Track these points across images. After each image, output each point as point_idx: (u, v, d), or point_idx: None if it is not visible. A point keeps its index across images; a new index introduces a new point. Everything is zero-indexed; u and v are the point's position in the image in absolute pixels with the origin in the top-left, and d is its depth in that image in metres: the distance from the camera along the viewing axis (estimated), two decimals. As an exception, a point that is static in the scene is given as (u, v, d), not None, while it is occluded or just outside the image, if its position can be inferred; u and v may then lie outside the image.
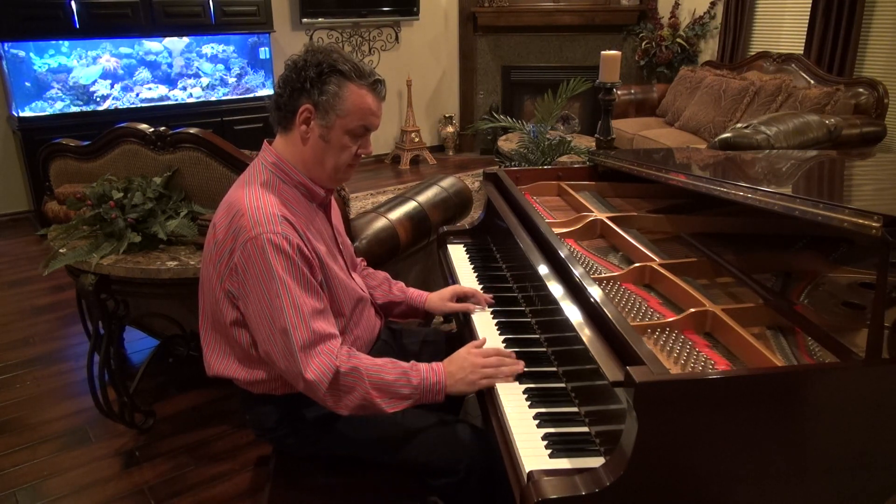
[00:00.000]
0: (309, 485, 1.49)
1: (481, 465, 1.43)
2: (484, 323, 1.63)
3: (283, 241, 1.31)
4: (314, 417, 1.47)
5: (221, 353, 1.48)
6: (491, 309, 1.69)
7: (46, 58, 4.48)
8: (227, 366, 1.47)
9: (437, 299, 1.73)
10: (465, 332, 1.66)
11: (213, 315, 1.45)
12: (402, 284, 1.80)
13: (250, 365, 1.44)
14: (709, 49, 5.62)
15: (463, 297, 1.72)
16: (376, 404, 1.34)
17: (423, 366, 1.40)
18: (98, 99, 4.68)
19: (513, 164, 4.20)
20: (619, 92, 5.00)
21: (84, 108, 4.61)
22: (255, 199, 1.35)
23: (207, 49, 5.09)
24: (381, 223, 2.39)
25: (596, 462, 1.09)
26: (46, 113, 4.46)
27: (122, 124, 2.36)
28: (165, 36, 4.83)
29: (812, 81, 4.44)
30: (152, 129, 2.33)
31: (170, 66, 4.97)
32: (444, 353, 1.77)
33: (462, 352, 1.43)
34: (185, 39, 4.97)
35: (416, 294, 1.77)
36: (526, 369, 1.41)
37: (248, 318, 1.35)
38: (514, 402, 1.30)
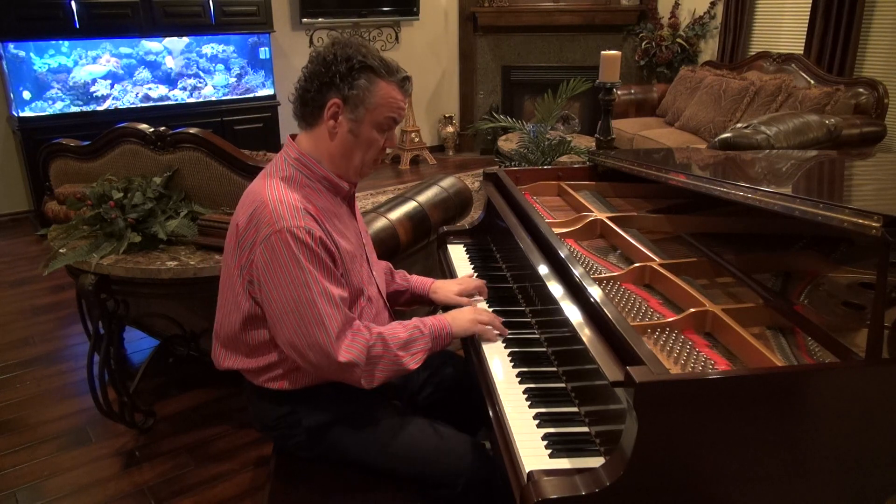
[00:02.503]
0: (309, 485, 1.49)
1: (480, 480, 1.43)
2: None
3: (307, 234, 1.31)
4: (310, 424, 1.46)
5: (231, 348, 1.47)
6: (491, 309, 1.69)
7: (46, 58, 4.48)
8: (235, 359, 1.47)
9: (444, 290, 1.73)
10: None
11: (228, 311, 1.44)
12: (403, 272, 1.80)
13: (260, 353, 1.44)
14: (709, 49, 5.62)
15: (469, 293, 1.74)
16: (403, 363, 1.40)
17: (426, 318, 1.48)
18: (98, 99, 4.68)
19: (513, 164, 4.19)
20: (619, 92, 5.00)
21: (84, 108, 4.61)
22: (276, 192, 1.35)
23: (207, 49, 5.09)
24: (381, 223, 2.39)
25: (596, 462, 1.09)
26: (46, 113, 4.46)
27: (122, 124, 2.37)
28: (165, 36, 4.83)
29: (812, 81, 4.44)
30: (152, 129, 2.33)
31: (170, 66, 4.97)
32: (445, 353, 1.77)
33: (460, 308, 1.58)
34: (185, 39, 4.96)
35: (419, 281, 1.77)
36: (526, 369, 1.41)
37: (271, 311, 1.34)
38: (514, 402, 1.30)
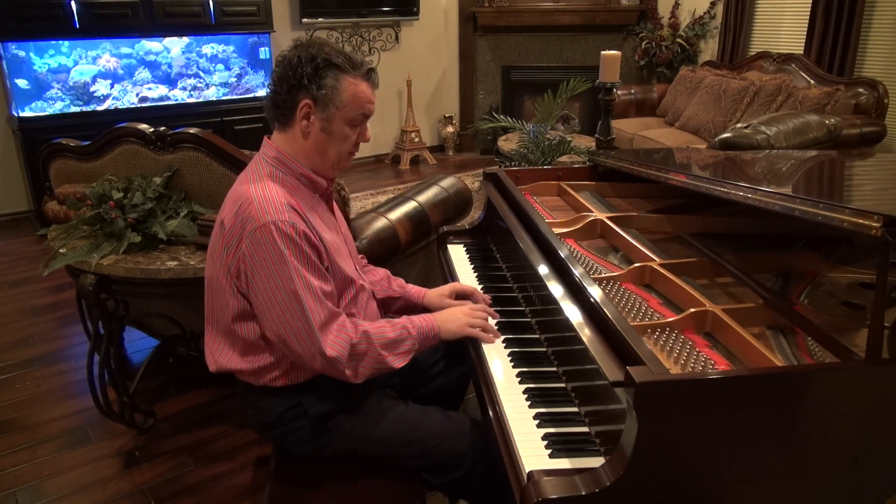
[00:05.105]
0: (309, 484, 1.49)
1: (484, 457, 1.45)
2: (484, 323, 1.63)
3: (290, 228, 1.34)
4: (316, 414, 1.47)
5: (225, 347, 1.48)
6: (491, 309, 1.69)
7: (46, 58, 4.48)
8: (230, 358, 1.48)
9: (436, 296, 1.73)
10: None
11: (218, 310, 1.46)
12: (401, 280, 1.80)
13: (254, 353, 1.45)
14: (709, 49, 5.62)
15: (462, 296, 1.72)
16: (387, 362, 1.42)
17: (415, 317, 1.50)
18: (98, 99, 4.68)
19: (513, 164, 4.19)
20: (619, 92, 4.99)
21: (84, 108, 4.61)
22: (260, 190, 1.38)
23: (207, 49, 5.09)
24: (381, 223, 2.39)
25: (596, 462, 1.09)
26: (46, 113, 4.46)
27: (122, 124, 2.36)
28: (165, 36, 4.83)
29: (812, 81, 4.44)
30: (152, 129, 2.33)
31: (170, 66, 4.97)
32: (444, 354, 1.77)
33: (452, 308, 1.58)
34: (185, 39, 4.96)
35: (414, 290, 1.77)
36: (526, 369, 1.41)
37: (259, 304, 1.36)
38: (514, 402, 1.30)
